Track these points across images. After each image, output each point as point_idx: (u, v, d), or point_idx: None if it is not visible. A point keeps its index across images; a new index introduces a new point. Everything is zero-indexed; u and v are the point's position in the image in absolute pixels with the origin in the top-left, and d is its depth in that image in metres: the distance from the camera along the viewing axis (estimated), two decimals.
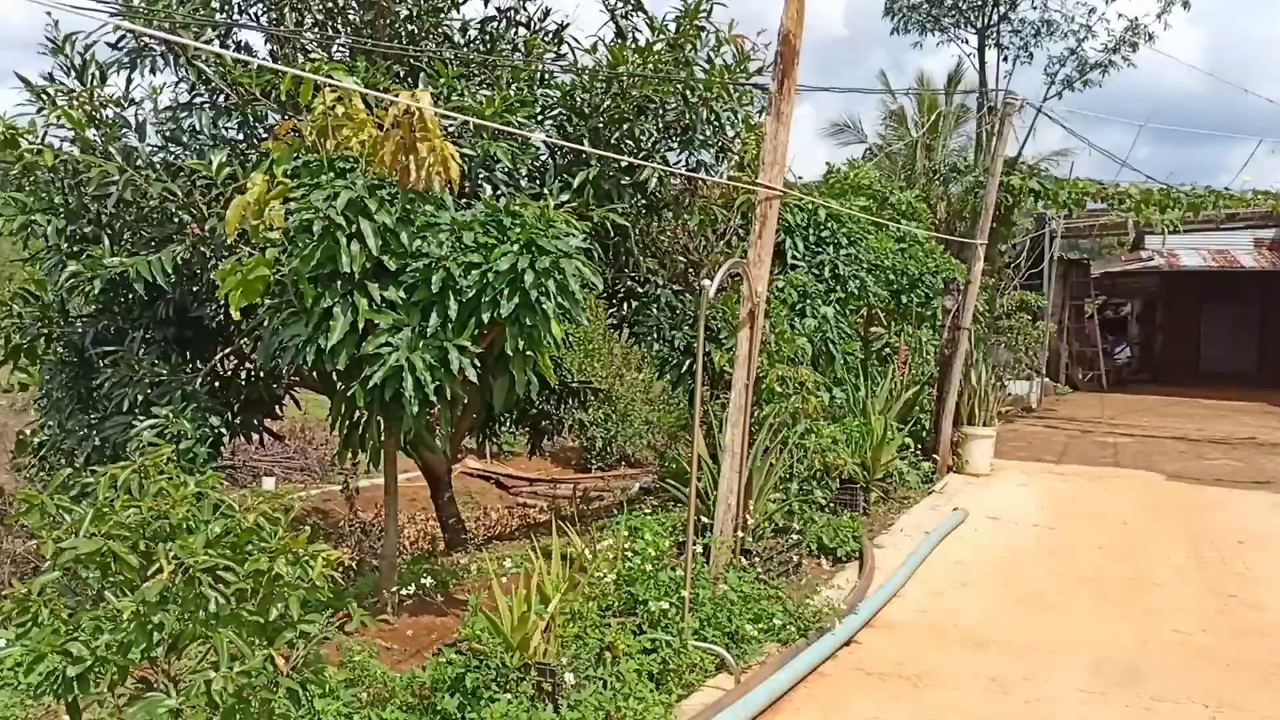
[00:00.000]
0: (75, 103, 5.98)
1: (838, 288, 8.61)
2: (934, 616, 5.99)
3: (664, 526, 5.88)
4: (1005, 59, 21.28)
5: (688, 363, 7.64)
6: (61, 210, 6.02)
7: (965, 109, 23.11)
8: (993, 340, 14.17)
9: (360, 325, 4.73)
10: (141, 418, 6.19)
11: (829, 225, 8.76)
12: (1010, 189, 12.45)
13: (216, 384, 6.83)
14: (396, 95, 4.74)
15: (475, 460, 13.93)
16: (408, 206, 4.87)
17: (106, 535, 3.14)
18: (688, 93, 6.92)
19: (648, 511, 6.70)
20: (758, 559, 5.95)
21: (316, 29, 6.72)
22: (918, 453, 10.10)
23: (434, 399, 4.75)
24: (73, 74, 6.35)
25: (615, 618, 4.72)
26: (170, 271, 5.59)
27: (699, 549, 5.35)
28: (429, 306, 4.77)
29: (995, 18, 20.81)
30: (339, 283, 4.78)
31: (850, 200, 10.02)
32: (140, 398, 6.28)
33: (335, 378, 5.19)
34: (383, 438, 5.30)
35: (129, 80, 6.48)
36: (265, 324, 5.19)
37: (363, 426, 5.22)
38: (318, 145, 5.17)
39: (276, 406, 7.27)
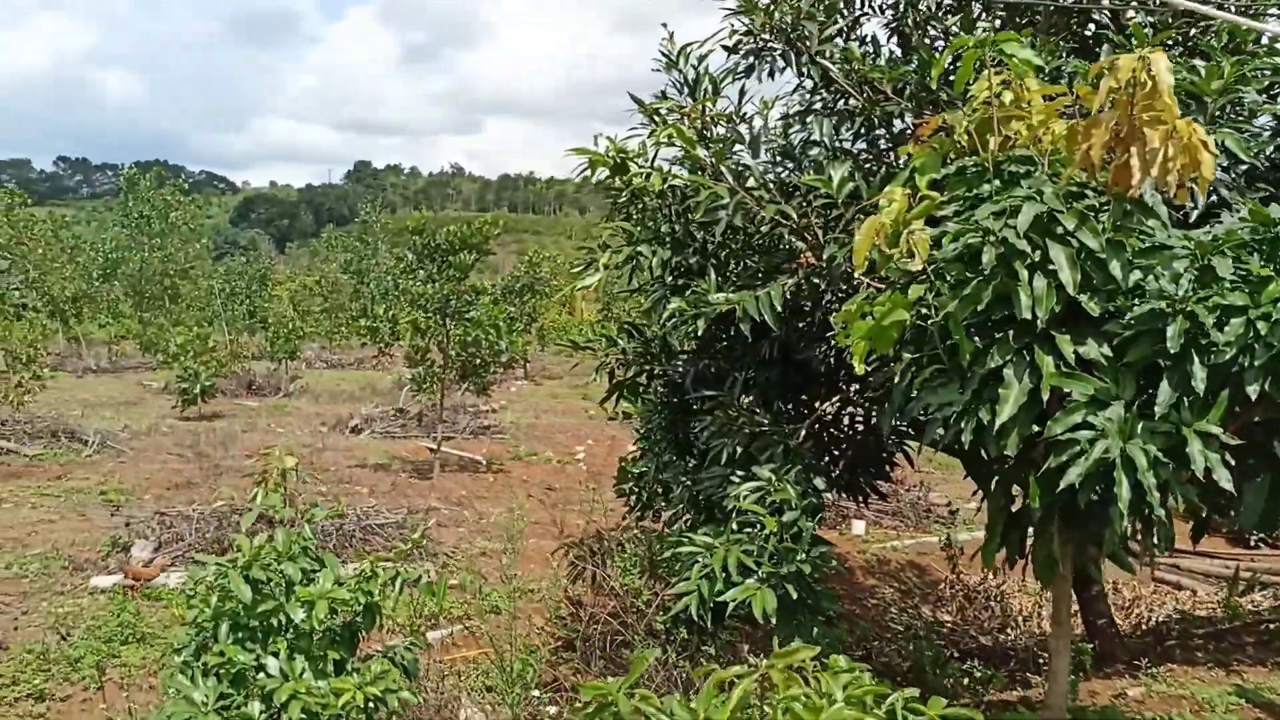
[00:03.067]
0: (687, 119, 5.37)
1: None
2: None
3: None
4: None
5: None
6: (667, 240, 5.44)
7: None
8: None
9: (1043, 394, 3.30)
10: (739, 473, 5.40)
11: None
12: None
13: (816, 428, 5.87)
14: (1111, 63, 3.22)
15: None
16: (1119, 222, 3.33)
17: None
18: None
19: None
20: None
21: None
22: None
23: (1155, 509, 3.15)
24: (685, 90, 5.79)
25: None
26: (780, 308, 4.68)
27: None
28: (1152, 371, 3.20)
29: None
30: (1012, 333, 3.39)
31: None
32: (739, 450, 5.51)
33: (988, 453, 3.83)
34: (1057, 544, 3.81)
35: (742, 92, 5.76)
36: (896, 381, 3.99)
37: (1030, 528, 3.79)
38: (975, 145, 3.86)
39: (887, 465, 6.14)
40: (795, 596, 4.47)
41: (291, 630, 4.03)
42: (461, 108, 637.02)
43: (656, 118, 5.80)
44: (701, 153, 4.88)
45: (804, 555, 4.57)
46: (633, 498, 9.98)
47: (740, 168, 4.94)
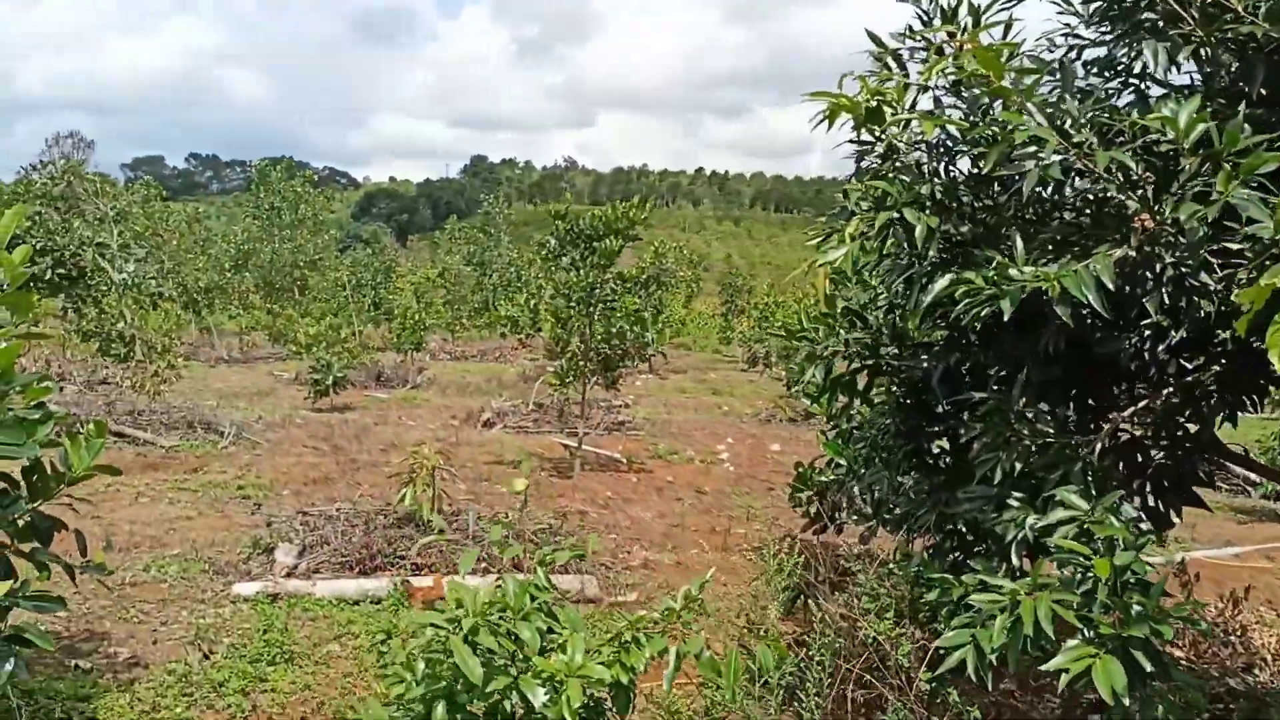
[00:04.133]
0: (955, 50, 4.26)
1: None
2: None
3: None
4: None
5: None
6: (927, 204, 4.36)
7: None
8: None
9: None
10: (1016, 495, 4.30)
11: None
12: None
13: (1116, 440, 4.70)
14: None
15: None
16: None
17: None
18: None
19: None
20: None
21: None
22: None
23: None
24: (937, 19, 4.69)
25: None
26: (1110, 286, 3.56)
27: None
28: None
29: None
30: None
31: None
32: (1017, 466, 4.40)
33: None
34: None
35: (1007, 26, 4.62)
36: None
37: None
38: None
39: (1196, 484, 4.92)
40: (1148, 668, 3.36)
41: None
42: (573, 102, 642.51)
43: (894, 62, 4.73)
44: (1006, 83, 3.78)
45: (1150, 610, 3.46)
46: (811, 508, 8.94)
47: (1052, 107, 3.83)
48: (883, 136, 4.47)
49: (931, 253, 4.37)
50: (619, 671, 3.16)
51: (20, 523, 5.17)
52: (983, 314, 3.92)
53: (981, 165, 4.06)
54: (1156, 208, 3.72)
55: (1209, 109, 3.76)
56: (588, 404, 18.34)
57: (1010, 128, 3.69)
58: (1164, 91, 4.12)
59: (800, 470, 8.79)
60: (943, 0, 4.69)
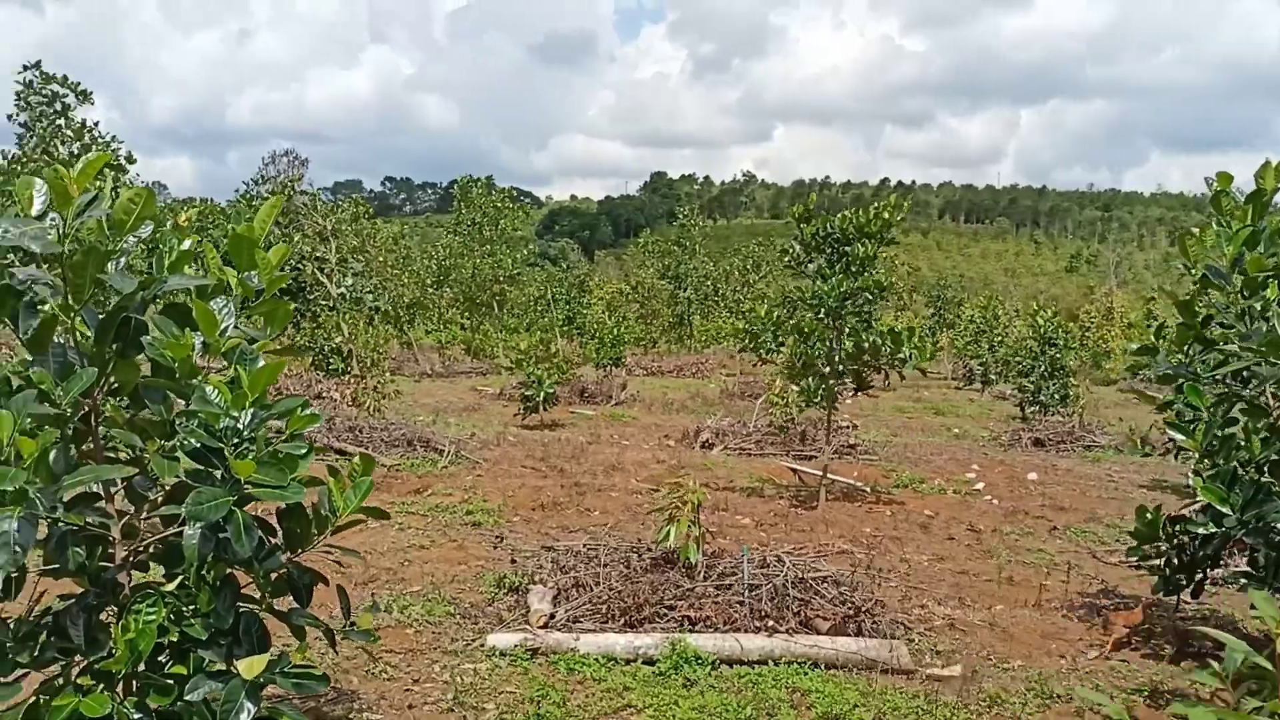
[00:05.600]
0: None
1: None
2: None
3: None
4: None
5: None
6: None
7: None
8: None
9: None
10: None
11: None
12: None
13: None
14: None
15: None
16: None
17: None
18: None
19: None
20: None
21: None
22: None
23: None
24: None
25: None
26: None
27: None
28: None
29: None
30: None
31: None
32: None
33: None
34: None
35: None
36: None
37: None
38: None
39: None
40: None
41: None
42: (751, 116, 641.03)
43: None
44: None
45: None
46: (1161, 564, 7.29)
47: None
48: None
49: None
50: None
51: (274, 576, 4.31)
52: None
53: None
54: None
55: None
56: (818, 426, 16.96)
57: None
58: None
59: (1146, 516, 7.15)
60: None
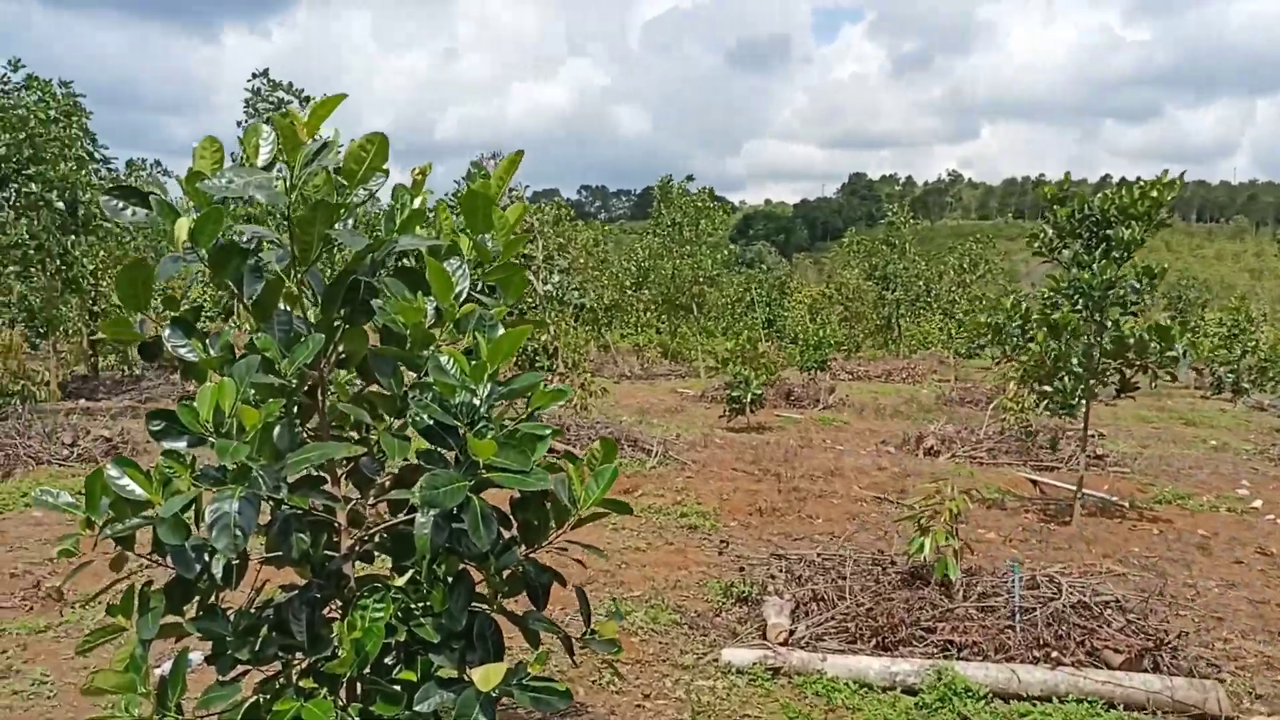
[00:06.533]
0: None
1: None
2: None
3: None
4: None
5: None
6: None
7: None
8: None
9: None
10: None
11: None
12: None
13: None
14: None
15: None
16: None
17: None
18: None
19: None
20: None
21: None
22: None
23: None
24: None
25: None
26: None
27: None
28: None
29: None
30: None
31: None
32: None
33: None
34: None
35: None
36: None
37: None
38: None
39: None
40: None
41: None
42: (954, 115, 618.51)
43: None
44: None
45: None
46: None
47: None
48: None
49: None
50: None
51: (506, 574, 3.80)
52: None
53: None
54: None
55: None
56: (1060, 433, 15.48)
57: None
58: None
59: None
60: None
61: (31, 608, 6.70)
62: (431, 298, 3.55)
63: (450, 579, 3.51)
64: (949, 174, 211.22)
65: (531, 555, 3.79)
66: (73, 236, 18.06)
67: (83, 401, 19.58)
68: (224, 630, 3.39)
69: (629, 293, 36.45)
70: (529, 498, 3.70)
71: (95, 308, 23.04)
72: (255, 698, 3.47)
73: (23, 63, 18.35)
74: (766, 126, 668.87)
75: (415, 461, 3.51)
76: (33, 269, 17.62)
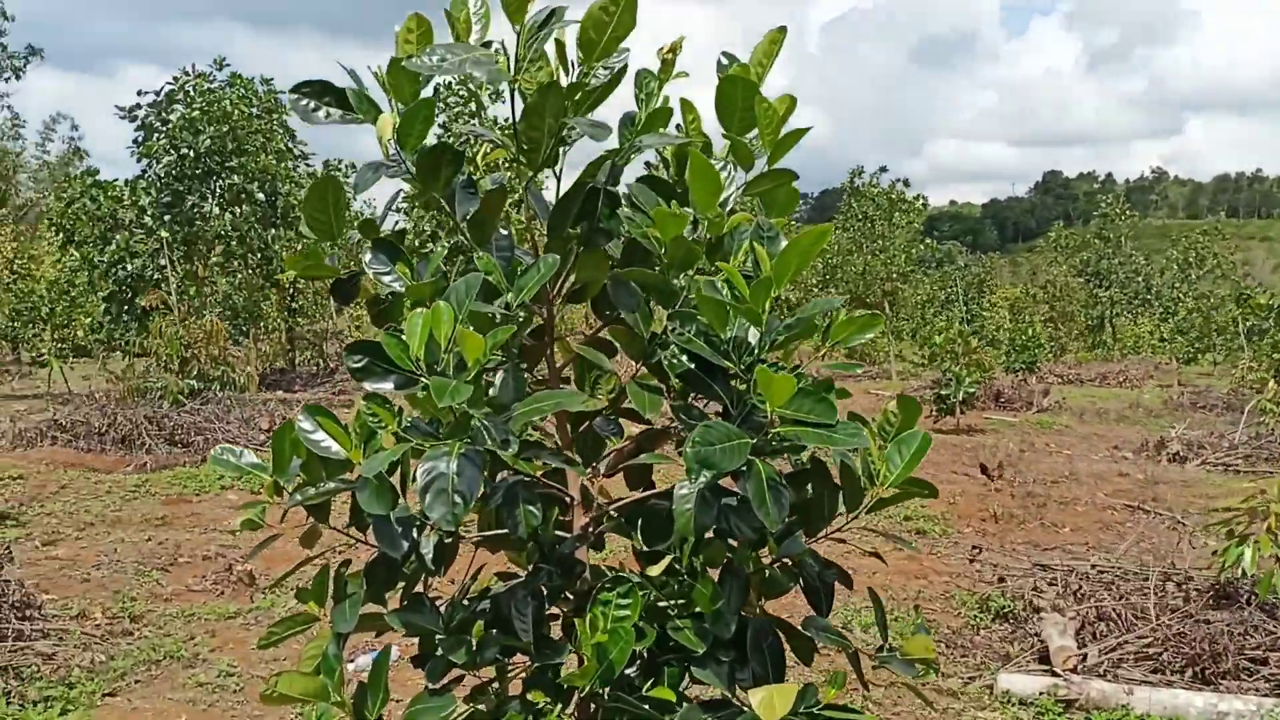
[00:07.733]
0: None
1: None
2: None
3: None
4: None
5: None
6: None
7: None
8: None
9: None
10: None
11: None
12: None
13: None
14: None
15: None
16: None
17: None
18: None
19: None
20: None
21: None
22: None
23: None
24: None
25: None
26: None
27: None
28: None
29: None
30: None
31: None
32: None
33: None
34: None
35: None
36: None
37: None
38: None
39: None
40: None
41: None
42: (1156, 109, 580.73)
43: None
44: None
45: None
46: None
47: None
48: None
49: None
50: None
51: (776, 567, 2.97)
52: None
53: None
54: None
55: None
56: None
57: None
58: None
59: None
60: None
61: (223, 592, 6.38)
62: (687, 208, 2.74)
63: (717, 571, 2.69)
64: (1153, 171, 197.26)
65: (812, 546, 2.93)
66: (273, 230, 18.56)
67: (280, 392, 20.15)
68: (434, 625, 2.69)
69: (815, 292, 35.14)
70: (814, 469, 2.85)
71: (294, 304, 23.80)
72: (470, 709, 2.77)
73: (227, 61, 19.10)
74: (949, 125, 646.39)
75: (657, 426, 2.75)
76: (235, 262, 18.17)
